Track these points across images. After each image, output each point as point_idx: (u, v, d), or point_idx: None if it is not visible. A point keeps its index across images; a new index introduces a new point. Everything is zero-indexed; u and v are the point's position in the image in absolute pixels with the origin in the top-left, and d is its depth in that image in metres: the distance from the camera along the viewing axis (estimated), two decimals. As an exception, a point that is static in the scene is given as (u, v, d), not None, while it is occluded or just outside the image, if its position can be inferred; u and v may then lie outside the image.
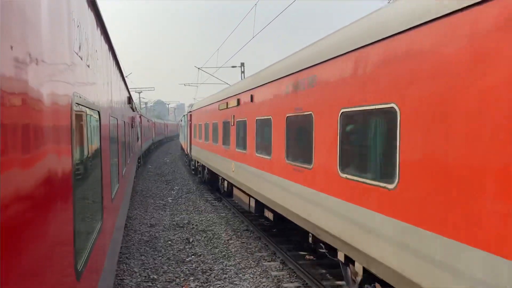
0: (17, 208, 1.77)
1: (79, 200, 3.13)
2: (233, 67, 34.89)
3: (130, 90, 10.80)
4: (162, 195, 18.47)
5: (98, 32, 4.84)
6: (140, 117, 27.90)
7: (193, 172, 23.58)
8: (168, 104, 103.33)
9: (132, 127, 16.92)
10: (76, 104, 3.00)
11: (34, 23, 2.11)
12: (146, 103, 72.32)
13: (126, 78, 11.01)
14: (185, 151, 30.67)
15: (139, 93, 53.52)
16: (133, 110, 19.00)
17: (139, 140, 26.34)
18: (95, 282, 4.01)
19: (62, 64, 2.66)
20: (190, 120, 23.64)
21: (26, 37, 1.97)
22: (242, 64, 35.62)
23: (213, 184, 17.72)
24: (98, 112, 4.40)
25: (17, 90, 1.81)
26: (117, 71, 8.56)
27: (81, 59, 3.42)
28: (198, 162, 19.69)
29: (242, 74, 34.44)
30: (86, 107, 3.55)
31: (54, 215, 2.32)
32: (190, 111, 22.93)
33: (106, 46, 5.82)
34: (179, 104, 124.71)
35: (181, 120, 39.97)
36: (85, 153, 3.76)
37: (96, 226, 4.21)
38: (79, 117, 3.24)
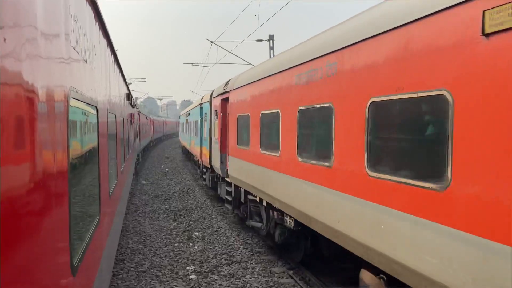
0: (11, 203, 1.80)
1: (75, 195, 3.36)
2: (258, 40, 26.30)
3: None
4: (173, 258, 10.58)
5: (96, 27, 5.08)
6: (138, 114, 28.12)
7: (230, 208, 14.40)
8: (160, 100, 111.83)
9: (131, 123, 16.83)
10: (73, 99, 3.19)
11: (28, 17, 2.14)
12: (136, 98, 60.89)
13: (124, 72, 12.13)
14: (199, 160, 23.10)
15: (129, 84, 39.23)
16: (132, 107, 18.65)
17: (138, 137, 26.07)
18: (91, 278, 4.05)
19: (58, 59, 2.78)
20: (223, 110, 14.71)
21: (21, 30, 1.99)
22: (271, 37, 27.04)
23: (289, 244, 9.51)
24: (96, 107, 4.65)
25: (11, 84, 1.82)
26: (116, 67, 8.97)
27: (78, 53, 3.60)
28: (249, 193, 11.18)
29: (271, 51, 26.31)
30: (83, 102, 3.75)
31: (49, 210, 2.44)
32: (224, 92, 14.15)
33: (104, 41, 6.18)
34: (171, 100, 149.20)
35: (188, 115, 32.72)
36: (82, 148, 3.95)
37: (93, 221, 4.44)
38: (75, 111, 3.45)
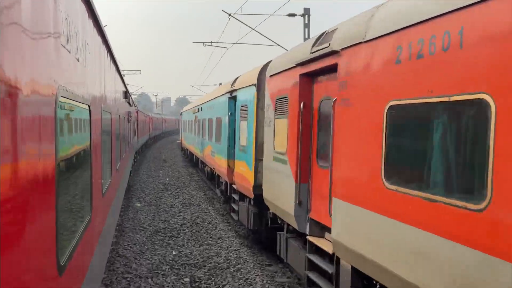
0: None
1: (63, 194, 3.45)
2: (290, 15, 20.70)
3: None
4: None
5: (90, 25, 5.11)
6: (137, 112, 27.07)
7: None
8: (156, 95, 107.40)
9: (128, 122, 16.26)
10: (62, 97, 3.32)
11: (14, 15, 2.16)
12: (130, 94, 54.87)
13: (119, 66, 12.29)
14: (225, 179, 15.26)
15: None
16: (130, 105, 17.54)
17: (136, 135, 24.57)
18: (80, 278, 4.10)
19: (46, 58, 2.87)
20: (304, 96, 7.50)
21: (6, 28, 2.01)
22: (307, 12, 20.62)
23: None
24: (88, 105, 4.84)
25: None
26: (113, 65, 9.17)
27: (69, 52, 3.65)
28: None
29: (306, 29, 20.04)
30: (74, 100, 3.87)
31: (34, 209, 2.52)
32: (320, 56, 6.63)
33: (99, 39, 6.25)
34: (166, 97, 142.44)
35: (199, 110, 24.57)
36: (72, 146, 4.04)
37: (83, 220, 4.56)
38: (65, 110, 3.56)
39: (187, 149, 36.44)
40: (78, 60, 4.01)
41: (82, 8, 4.43)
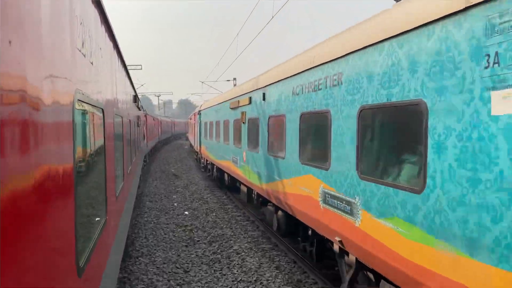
0: (17, 205, 1.95)
1: (81, 197, 3.58)
2: None
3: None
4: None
5: (102, 29, 5.21)
6: (145, 116, 29.17)
7: None
8: (158, 96, 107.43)
9: (138, 125, 16.91)
10: (79, 101, 3.39)
11: (34, 20, 2.23)
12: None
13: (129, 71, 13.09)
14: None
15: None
16: (139, 109, 18.53)
17: (145, 138, 26.33)
18: (97, 279, 4.22)
19: (64, 61, 2.94)
20: None
21: (26, 33, 2.07)
22: None
23: None
24: (102, 109, 4.94)
25: (16, 86, 1.94)
26: (123, 70, 9.41)
27: (84, 56, 3.74)
28: None
29: None
30: (89, 104, 3.96)
31: (55, 212, 2.61)
32: None
33: (111, 44, 6.53)
34: (167, 100, 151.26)
35: (251, 101, 14.04)
36: (88, 150, 4.15)
37: (99, 223, 4.73)
38: (81, 114, 3.65)
39: (213, 164, 24.49)
40: (92, 63, 4.11)
41: (95, 13, 4.55)
